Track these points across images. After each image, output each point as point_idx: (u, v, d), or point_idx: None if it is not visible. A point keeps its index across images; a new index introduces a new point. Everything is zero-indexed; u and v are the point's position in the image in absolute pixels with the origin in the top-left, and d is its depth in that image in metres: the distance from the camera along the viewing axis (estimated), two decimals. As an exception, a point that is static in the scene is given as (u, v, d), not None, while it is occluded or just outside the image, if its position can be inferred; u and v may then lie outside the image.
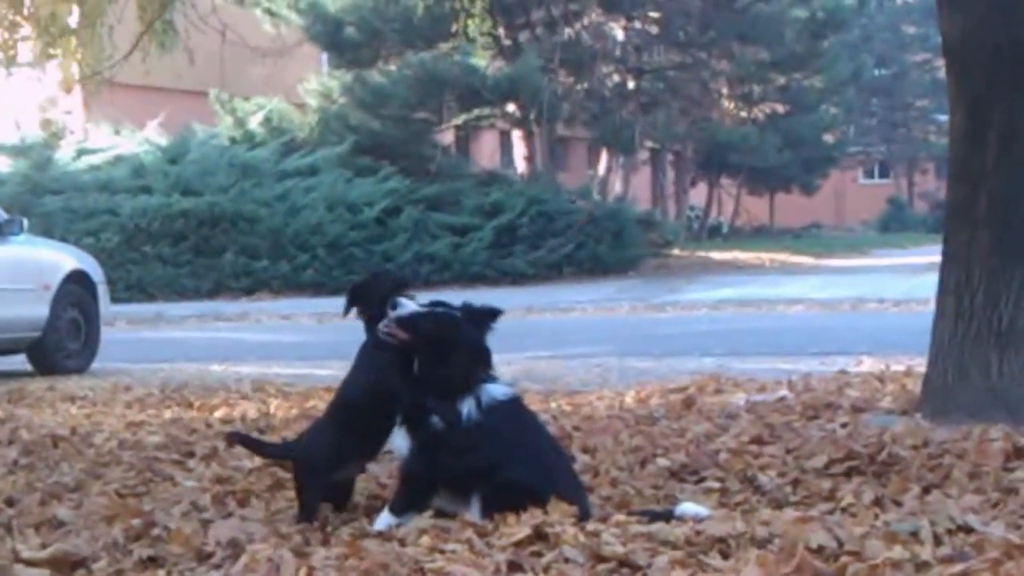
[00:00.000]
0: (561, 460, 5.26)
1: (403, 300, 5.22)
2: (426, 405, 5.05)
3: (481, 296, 5.34)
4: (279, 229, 28.48)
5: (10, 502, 5.86)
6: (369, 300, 5.42)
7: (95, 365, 13.96)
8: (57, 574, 4.53)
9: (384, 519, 5.06)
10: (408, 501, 5.08)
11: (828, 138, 53.21)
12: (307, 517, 5.26)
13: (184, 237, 28.22)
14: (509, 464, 4.95)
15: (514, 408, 5.16)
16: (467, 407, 4.99)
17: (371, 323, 5.36)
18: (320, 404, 8.51)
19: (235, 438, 5.76)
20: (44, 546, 4.84)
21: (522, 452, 5.00)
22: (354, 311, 5.50)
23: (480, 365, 5.11)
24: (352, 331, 5.55)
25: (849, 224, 65.90)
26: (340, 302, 5.61)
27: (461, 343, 5.08)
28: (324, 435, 5.46)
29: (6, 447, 7.59)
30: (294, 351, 15.33)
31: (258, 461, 6.43)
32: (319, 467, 5.33)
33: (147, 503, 5.69)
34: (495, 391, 5.07)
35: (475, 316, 5.19)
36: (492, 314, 5.21)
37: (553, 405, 8.81)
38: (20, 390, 10.99)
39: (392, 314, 5.14)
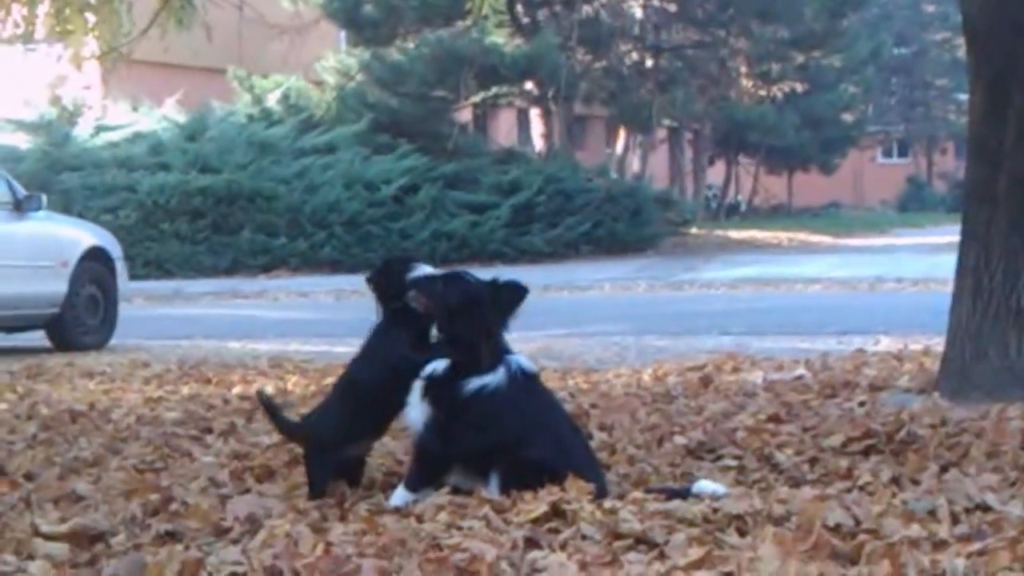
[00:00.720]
0: (578, 438, 5.26)
1: (420, 265, 5.26)
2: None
3: (499, 274, 5.32)
4: (297, 207, 28.49)
5: (29, 476, 5.88)
6: (388, 281, 5.46)
7: (113, 341, 14.00)
8: (76, 548, 4.54)
9: (400, 495, 5.07)
10: (422, 476, 5.09)
11: (847, 117, 53.04)
12: (316, 494, 5.26)
13: (202, 214, 28.24)
14: (527, 442, 4.95)
15: (534, 384, 5.16)
16: (499, 375, 4.99)
17: (387, 302, 5.40)
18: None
19: (262, 400, 5.75)
20: (63, 520, 4.85)
21: (540, 430, 5.00)
22: (373, 289, 5.53)
23: (497, 325, 5.09)
24: (370, 309, 5.56)
25: (868, 203, 65.67)
26: (358, 279, 5.64)
27: (475, 303, 5.07)
28: (332, 413, 5.47)
29: (25, 422, 7.62)
30: (312, 328, 15.35)
31: (276, 437, 6.45)
32: (327, 445, 5.34)
33: (165, 478, 5.71)
34: (522, 361, 5.08)
35: (500, 292, 5.17)
36: (518, 292, 5.18)
37: (571, 383, 8.82)
38: (39, 366, 11.03)
39: (409, 279, 5.16)
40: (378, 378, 5.30)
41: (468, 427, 4.98)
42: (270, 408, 5.62)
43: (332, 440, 5.32)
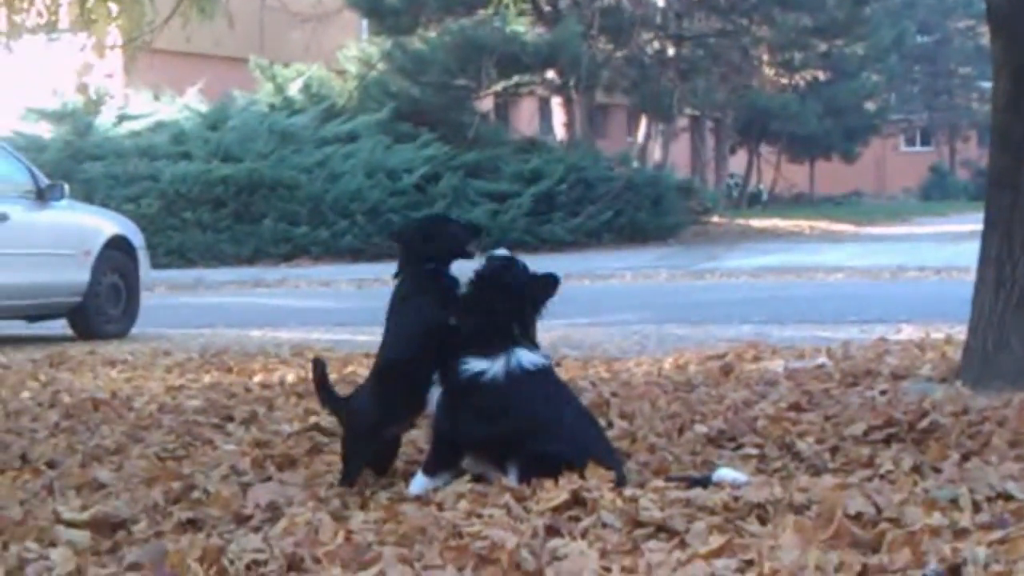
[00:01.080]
0: (594, 429, 5.25)
1: (500, 248, 5.28)
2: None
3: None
4: (318, 195, 28.51)
5: (51, 464, 5.91)
6: (424, 240, 5.39)
7: (135, 330, 14.04)
8: (97, 535, 4.55)
9: (418, 481, 5.08)
10: (438, 460, 5.10)
11: (869, 105, 52.97)
12: (348, 480, 5.25)
13: (224, 203, 28.28)
14: (541, 434, 4.94)
15: (541, 377, 5.13)
16: (497, 365, 4.99)
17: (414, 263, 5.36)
18: (359, 369, 8.54)
19: (317, 367, 5.61)
20: (85, 508, 4.87)
21: (553, 422, 4.99)
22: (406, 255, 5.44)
23: (521, 315, 5.10)
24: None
25: (890, 192, 65.56)
26: (380, 268, 5.59)
27: (506, 286, 5.08)
28: (371, 396, 5.37)
29: (48, 410, 7.64)
30: (333, 317, 15.36)
31: (297, 425, 6.46)
32: (364, 429, 5.29)
33: (187, 466, 5.72)
34: (524, 358, 5.05)
35: (536, 285, 5.17)
36: (552, 284, 5.18)
37: (591, 372, 8.82)
38: (61, 354, 11.06)
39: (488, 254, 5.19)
40: (411, 351, 5.25)
41: (470, 413, 5.01)
42: (321, 380, 5.55)
43: (371, 423, 5.26)
